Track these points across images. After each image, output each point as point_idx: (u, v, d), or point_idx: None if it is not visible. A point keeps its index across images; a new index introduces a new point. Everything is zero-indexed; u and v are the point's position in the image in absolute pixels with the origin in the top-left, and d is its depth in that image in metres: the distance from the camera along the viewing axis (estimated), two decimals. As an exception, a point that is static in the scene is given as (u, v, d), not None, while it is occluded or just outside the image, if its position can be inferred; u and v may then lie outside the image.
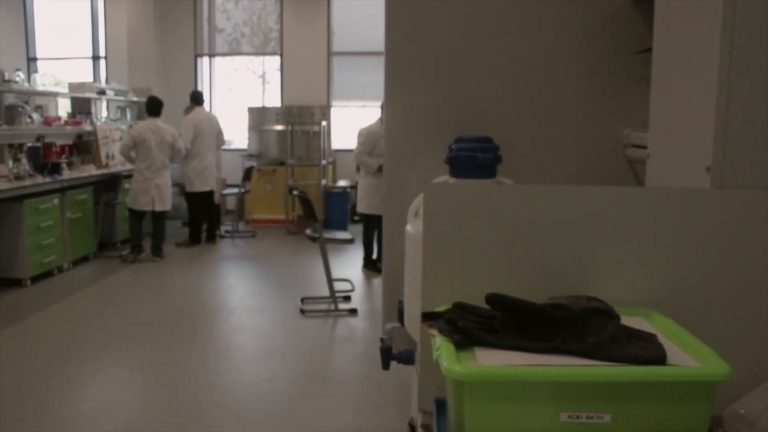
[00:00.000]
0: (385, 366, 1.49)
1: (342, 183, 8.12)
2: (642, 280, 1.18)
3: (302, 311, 4.68)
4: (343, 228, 7.62)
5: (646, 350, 0.98)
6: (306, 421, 3.13)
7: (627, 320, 1.08)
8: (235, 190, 7.61)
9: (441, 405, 1.19)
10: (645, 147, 1.64)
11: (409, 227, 1.42)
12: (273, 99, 9.18)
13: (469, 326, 0.99)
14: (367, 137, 5.62)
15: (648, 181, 1.47)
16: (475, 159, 1.33)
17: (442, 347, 0.97)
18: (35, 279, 5.47)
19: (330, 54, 8.79)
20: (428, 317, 1.08)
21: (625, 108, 1.77)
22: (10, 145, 5.79)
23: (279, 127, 8.11)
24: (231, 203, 8.30)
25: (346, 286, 5.08)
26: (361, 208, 5.80)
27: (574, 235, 1.17)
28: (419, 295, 1.37)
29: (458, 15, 1.74)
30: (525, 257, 1.17)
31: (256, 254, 6.78)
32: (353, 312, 4.68)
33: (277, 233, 7.73)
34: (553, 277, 1.17)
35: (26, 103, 6.41)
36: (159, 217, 6.43)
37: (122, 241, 6.88)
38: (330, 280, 4.64)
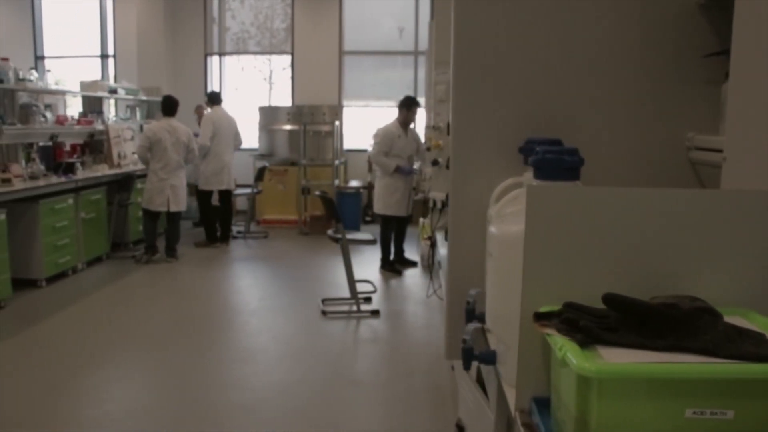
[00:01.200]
0: (467, 366, 1.50)
1: (354, 183, 8.12)
2: (737, 280, 1.19)
3: (324, 312, 4.67)
4: (356, 228, 7.62)
5: (763, 348, 1.00)
6: (340, 423, 3.11)
7: (728, 320, 1.10)
8: (248, 191, 7.59)
9: (540, 404, 1.21)
10: (712, 150, 1.66)
11: (493, 228, 1.43)
12: (279, 98, 9.17)
13: (589, 325, 1.01)
14: (384, 137, 5.62)
15: (724, 184, 1.48)
16: (563, 162, 1.35)
17: (565, 346, 0.99)
18: (50, 280, 5.44)
19: (342, 53, 8.79)
20: (541, 317, 1.10)
21: (688, 111, 1.79)
22: (23, 145, 5.77)
23: (290, 127, 8.10)
24: (241, 203, 8.29)
25: (365, 287, 5.07)
26: (378, 208, 5.79)
27: (671, 236, 1.19)
28: (510, 296, 1.39)
29: (524, 16, 1.76)
30: (623, 258, 1.19)
31: (271, 255, 6.76)
32: (376, 313, 4.67)
33: (290, 234, 7.71)
34: (650, 278, 1.18)
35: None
36: (173, 218, 6.40)
37: (134, 241, 6.86)
38: (353, 282, 4.64)
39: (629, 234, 1.19)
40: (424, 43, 8.68)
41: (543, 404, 1.20)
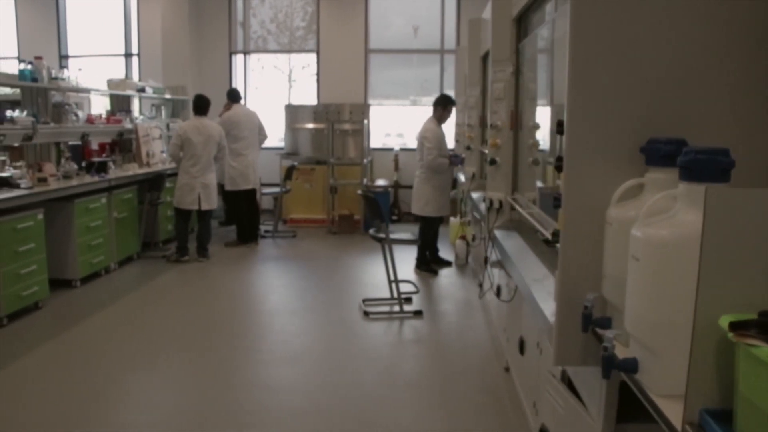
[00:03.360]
0: (606, 375, 1.43)
1: (380, 182, 8.05)
2: None
3: (366, 313, 4.62)
4: (384, 228, 7.56)
5: None
6: (401, 426, 3.05)
7: None
8: (276, 190, 7.53)
9: (714, 416, 1.15)
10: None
11: (638, 232, 1.37)
12: (299, 97, 9.10)
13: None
14: (436, 140, 5.62)
15: None
16: (717, 163, 1.29)
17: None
18: (84, 280, 5.40)
19: (367, 51, 8.73)
20: (737, 327, 1.04)
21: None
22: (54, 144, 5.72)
23: (316, 126, 8.04)
24: (266, 203, 8.24)
25: (404, 287, 5.01)
26: (418, 209, 5.75)
27: None
28: (662, 301, 1.32)
29: (647, 13, 1.69)
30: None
31: (301, 254, 6.71)
32: (419, 314, 4.62)
33: (318, 233, 7.66)
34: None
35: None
36: (204, 217, 6.36)
37: (164, 240, 6.82)
38: (396, 282, 4.58)
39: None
40: (450, 42, 8.65)
41: (717, 417, 1.14)
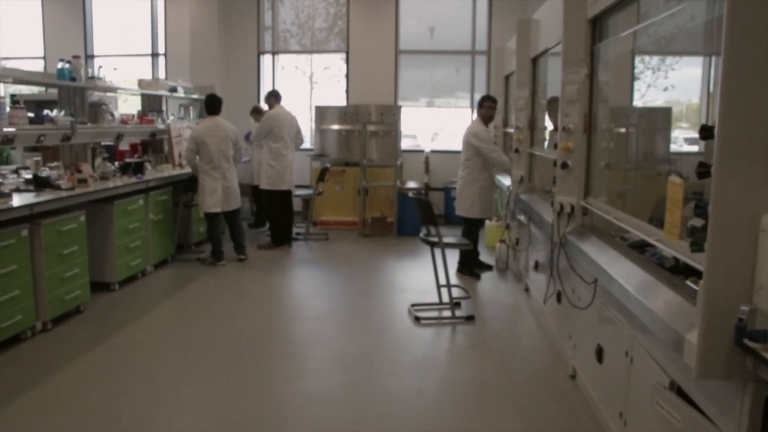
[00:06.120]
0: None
1: (411, 184, 7.97)
2: None
3: (417, 318, 4.54)
4: (417, 231, 7.47)
5: None
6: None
7: None
8: (306, 192, 7.45)
9: None
10: None
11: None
12: (321, 98, 9.02)
13: None
14: (489, 138, 5.60)
15: None
16: None
17: None
18: (122, 283, 5.32)
19: (398, 52, 8.65)
20: None
21: None
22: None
23: (345, 127, 7.96)
24: (296, 205, 8.15)
25: (454, 292, 4.93)
26: (464, 210, 5.68)
27: None
28: None
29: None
30: None
31: (336, 257, 6.62)
32: (470, 319, 4.53)
33: (350, 236, 7.57)
34: None
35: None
36: (233, 216, 6.28)
37: (196, 243, 6.74)
38: (449, 286, 4.50)
39: None
40: (481, 43, 8.58)
41: None
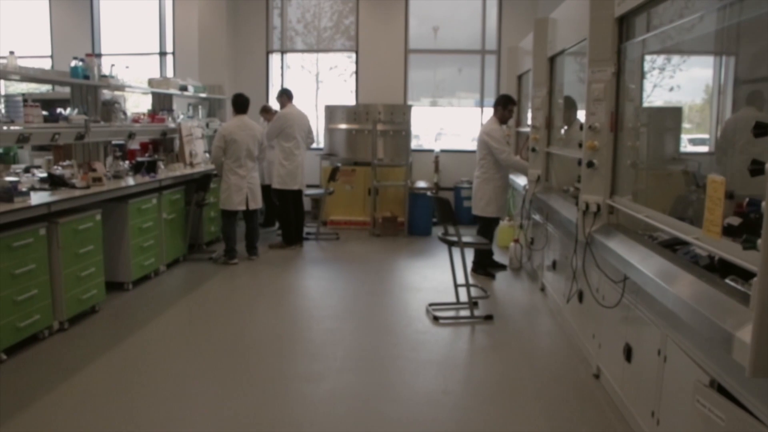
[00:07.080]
0: None
1: (421, 184, 7.95)
2: None
3: (436, 318, 4.52)
4: (428, 231, 7.47)
5: None
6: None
7: None
8: (316, 191, 7.43)
9: None
10: None
11: None
12: (327, 98, 9.00)
13: None
14: (502, 139, 5.58)
15: None
16: None
17: None
18: (135, 283, 5.29)
19: (407, 52, 8.63)
20: None
21: None
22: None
23: (353, 126, 7.94)
24: (305, 204, 8.13)
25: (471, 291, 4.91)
26: (480, 210, 5.66)
27: None
28: None
29: None
30: None
31: (347, 257, 6.60)
32: (489, 318, 4.52)
33: (360, 235, 7.55)
34: None
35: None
36: (251, 216, 6.28)
37: (207, 242, 6.71)
38: (467, 286, 4.49)
39: None
40: (490, 42, 8.57)
41: None
